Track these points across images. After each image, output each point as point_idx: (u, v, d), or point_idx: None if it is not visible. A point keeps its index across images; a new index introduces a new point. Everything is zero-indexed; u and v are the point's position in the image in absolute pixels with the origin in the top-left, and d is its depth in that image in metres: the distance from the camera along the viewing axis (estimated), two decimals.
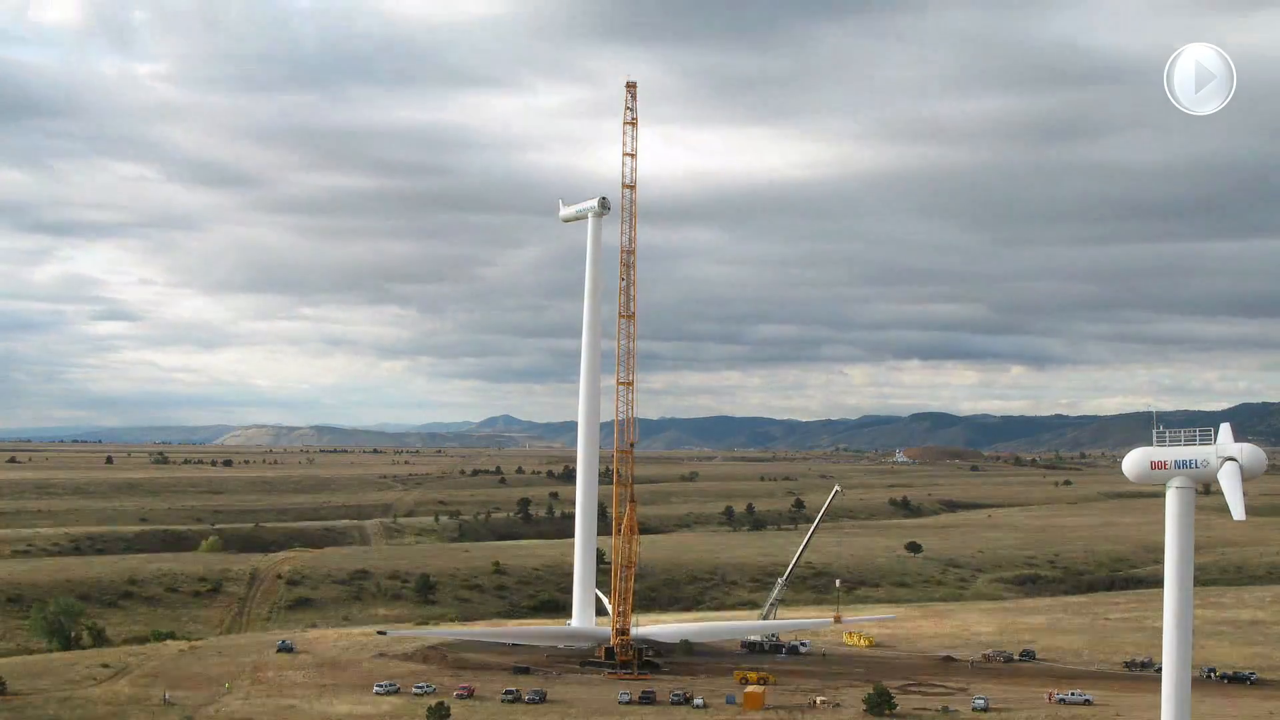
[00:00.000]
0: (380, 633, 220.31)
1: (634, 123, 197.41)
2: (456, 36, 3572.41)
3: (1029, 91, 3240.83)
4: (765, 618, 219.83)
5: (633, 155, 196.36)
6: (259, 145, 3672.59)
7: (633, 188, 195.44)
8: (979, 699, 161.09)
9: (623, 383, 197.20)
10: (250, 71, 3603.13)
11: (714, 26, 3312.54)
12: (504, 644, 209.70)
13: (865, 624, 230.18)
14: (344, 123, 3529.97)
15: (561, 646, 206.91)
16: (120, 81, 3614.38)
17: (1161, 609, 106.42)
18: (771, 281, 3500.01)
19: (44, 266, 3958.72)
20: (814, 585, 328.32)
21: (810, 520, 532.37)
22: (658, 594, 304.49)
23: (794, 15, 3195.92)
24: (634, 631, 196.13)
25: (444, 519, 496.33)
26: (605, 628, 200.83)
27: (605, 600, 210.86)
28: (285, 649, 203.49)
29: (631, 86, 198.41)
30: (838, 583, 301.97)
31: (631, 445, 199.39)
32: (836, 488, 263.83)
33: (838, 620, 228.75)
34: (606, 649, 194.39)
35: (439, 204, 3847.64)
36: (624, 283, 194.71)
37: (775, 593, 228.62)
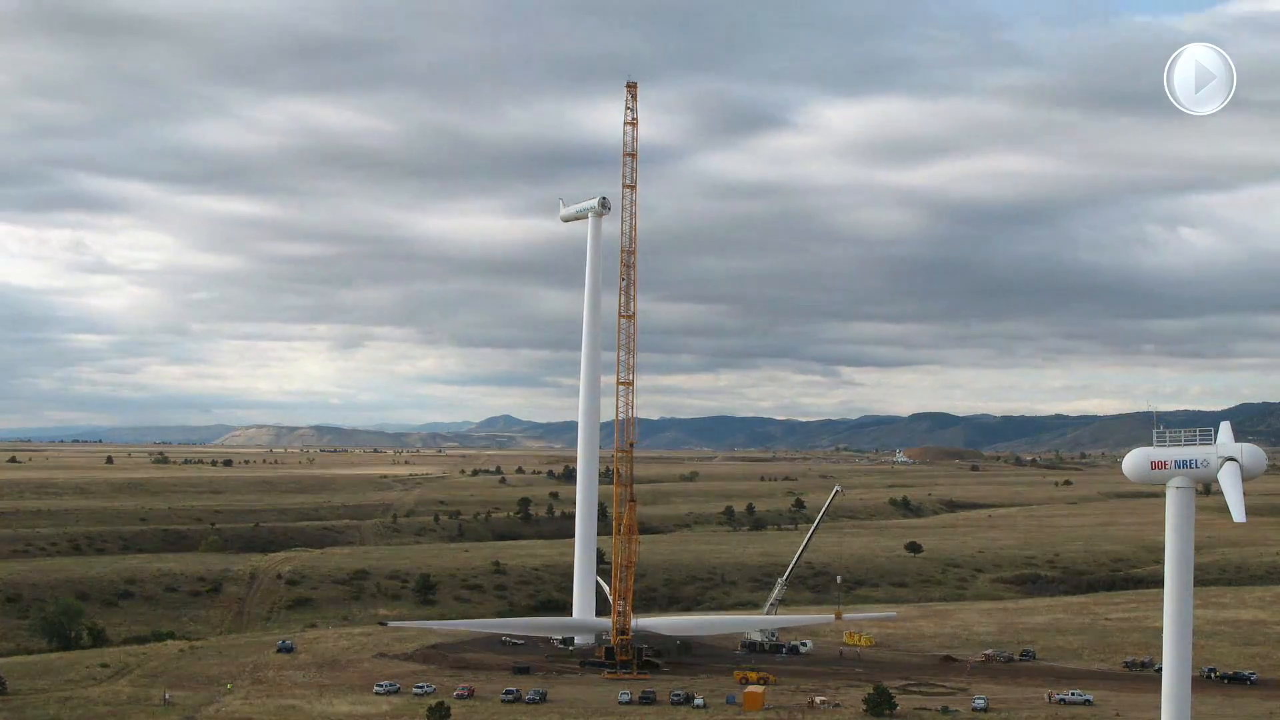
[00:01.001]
0: (381, 623, 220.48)
1: (634, 123, 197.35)
2: None
3: None
4: (770, 607, 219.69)
5: (633, 155, 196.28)
6: None
7: (633, 187, 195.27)
8: (979, 699, 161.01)
9: (623, 383, 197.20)
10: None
11: None
12: (509, 637, 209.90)
13: (865, 622, 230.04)
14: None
15: (558, 643, 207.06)
16: None
17: (1161, 609, 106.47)
18: None
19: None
20: (814, 585, 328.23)
21: (810, 520, 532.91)
22: (657, 594, 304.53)
23: None
24: (640, 623, 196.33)
25: (444, 519, 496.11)
26: (607, 619, 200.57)
27: (606, 589, 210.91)
28: (285, 649, 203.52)
29: (632, 87, 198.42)
30: (838, 579, 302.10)
31: (631, 445, 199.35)
32: (837, 488, 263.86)
33: (838, 617, 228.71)
34: (606, 649, 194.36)
35: None
36: (624, 282, 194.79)
37: (776, 592, 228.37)
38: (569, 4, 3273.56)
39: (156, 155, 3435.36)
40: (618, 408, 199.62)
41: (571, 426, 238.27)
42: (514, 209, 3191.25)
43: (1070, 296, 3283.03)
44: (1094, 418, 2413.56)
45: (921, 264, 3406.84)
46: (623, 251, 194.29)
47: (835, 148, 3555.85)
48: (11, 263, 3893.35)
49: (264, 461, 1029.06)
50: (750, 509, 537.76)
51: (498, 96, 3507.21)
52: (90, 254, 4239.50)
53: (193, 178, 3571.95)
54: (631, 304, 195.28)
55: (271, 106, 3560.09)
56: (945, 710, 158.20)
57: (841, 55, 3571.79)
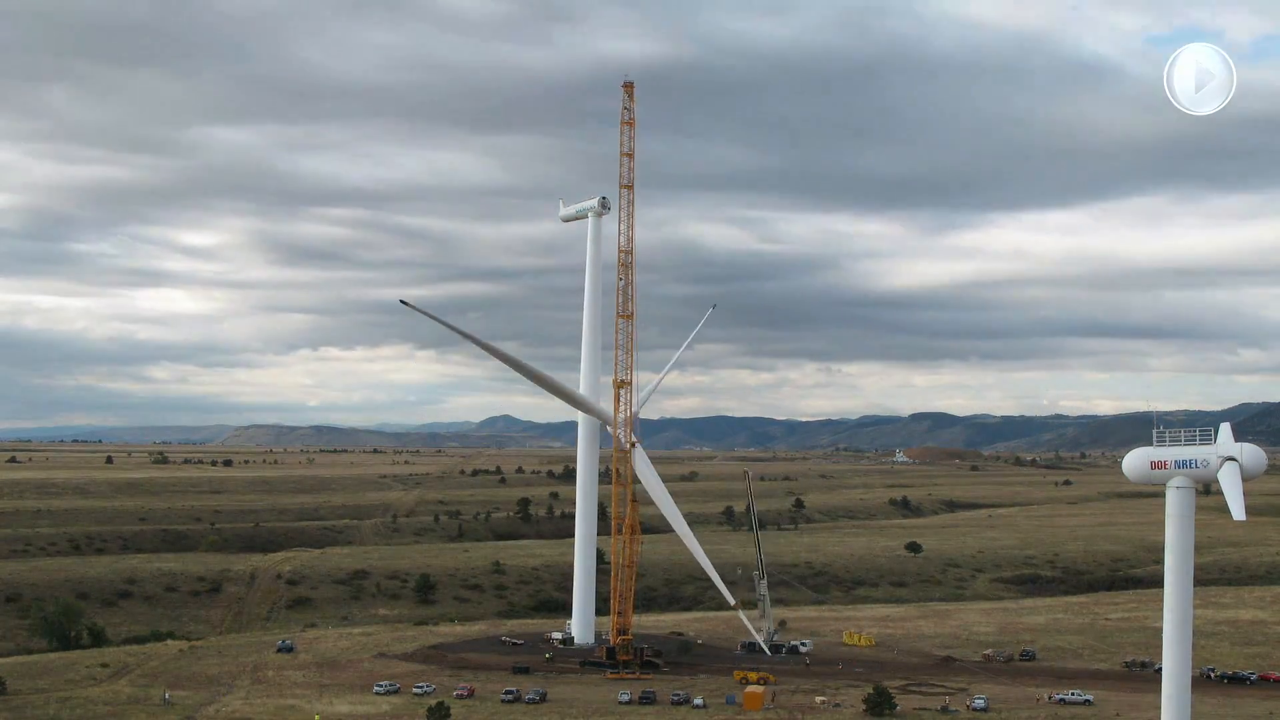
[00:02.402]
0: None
1: (631, 123, 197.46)
2: None
3: None
4: (763, 616, 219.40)
5: (630, 155, 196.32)
6: None
7: (631, 188, 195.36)
8: (979, 699, 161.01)
9: (622, 383, 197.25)
10: None
11: None
12: (510, 637, 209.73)
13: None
14: None
15: (558, 643, 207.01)
16: None
17: (1161, 609, 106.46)
18: None
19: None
20: (814, 585, 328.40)
21: (810, 520, 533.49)
22: (657, 594, 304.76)
23: None
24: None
25: (444, 519, 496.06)
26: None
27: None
28: (285, 649, 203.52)
29: (629, 87, 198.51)
30: (754, 574, 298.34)
31: (632, 446, 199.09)
32: (746, 470, 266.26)
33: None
34: (607, 648, 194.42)
35: None
36: (622, 282, 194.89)
37: (761, 587, 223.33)
38: None
39: None
40: (617, 408, 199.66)
41: (571, 426, 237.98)
42: None
43: None
44: (1094, 417, 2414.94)
45: None
46: (620, 252, 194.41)
47: None
48: None
49: (264, 461, 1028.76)
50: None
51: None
52: None
53: None
54: (630, 304, 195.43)
55: None
56: (945, 710, 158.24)
57: None
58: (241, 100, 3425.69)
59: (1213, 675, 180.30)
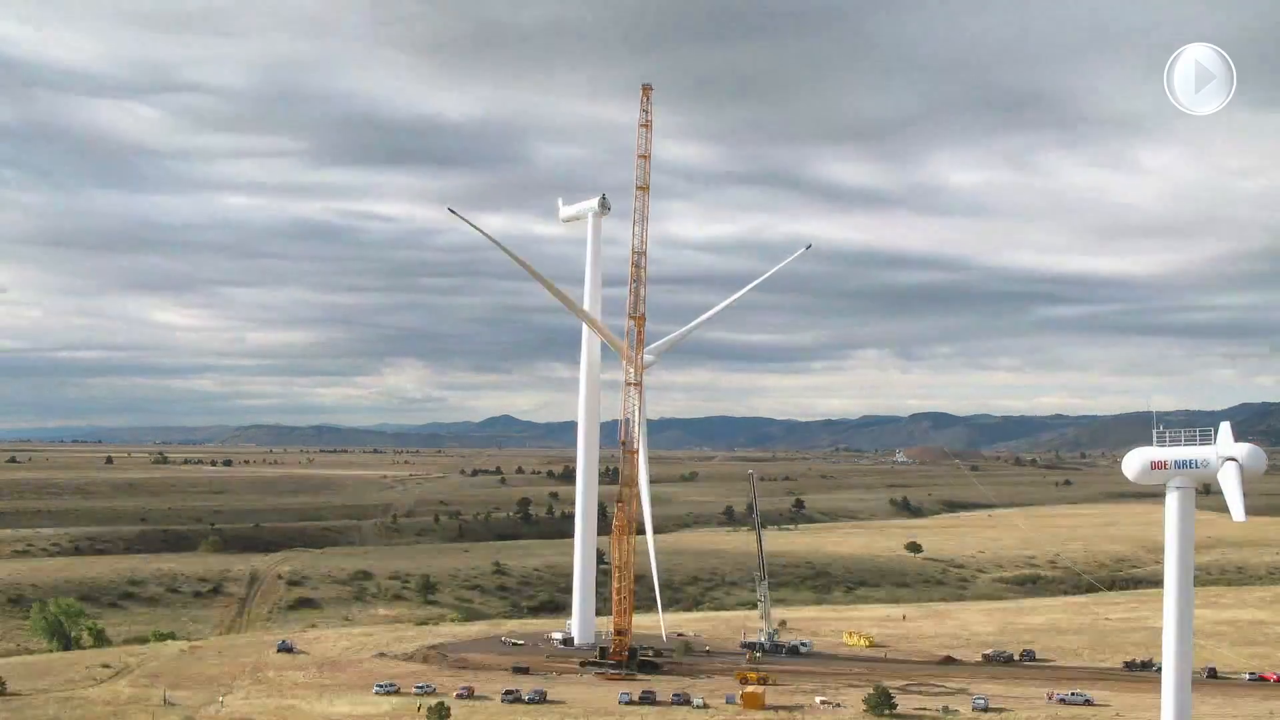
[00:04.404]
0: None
1: (649, 125, 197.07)
2: None
3: None
4: (763, 617, 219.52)
5: (646, 157, 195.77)
6: None
7: (646, 189, 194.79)
8: (979, 699, 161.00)
9: (631, 384, 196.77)
10: None
11: None
12: (509, 637, 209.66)
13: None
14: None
15: (558, 643, 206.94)
16: None
17: (1161, 609, 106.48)
18: None
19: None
20: (814, 585, 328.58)
21: (809, 520, 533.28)
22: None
23: None
24: None
25: (444, 519, 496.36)
26: None
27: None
28: (285, 649, 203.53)
29: (647, 89, 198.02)
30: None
31: (635, 451, 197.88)
32: (750, 470, 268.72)
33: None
34: (602, 648, 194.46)
35: None
36: (634, 283, 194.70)
37: (761, 589, 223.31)
38: None
39: None
40: (625, 408, 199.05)
41: (571, 426, 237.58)
42: None
43: None
44: (1094, 417, 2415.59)
45: None
46: (633, 254, 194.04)
47: None
48: None
49: (264, 461, 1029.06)
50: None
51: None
52: None
53: None
54: (640, 305, 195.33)
55: None
56: (945, 710, 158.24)
57: None
58: None
59: (1213, 675, 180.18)
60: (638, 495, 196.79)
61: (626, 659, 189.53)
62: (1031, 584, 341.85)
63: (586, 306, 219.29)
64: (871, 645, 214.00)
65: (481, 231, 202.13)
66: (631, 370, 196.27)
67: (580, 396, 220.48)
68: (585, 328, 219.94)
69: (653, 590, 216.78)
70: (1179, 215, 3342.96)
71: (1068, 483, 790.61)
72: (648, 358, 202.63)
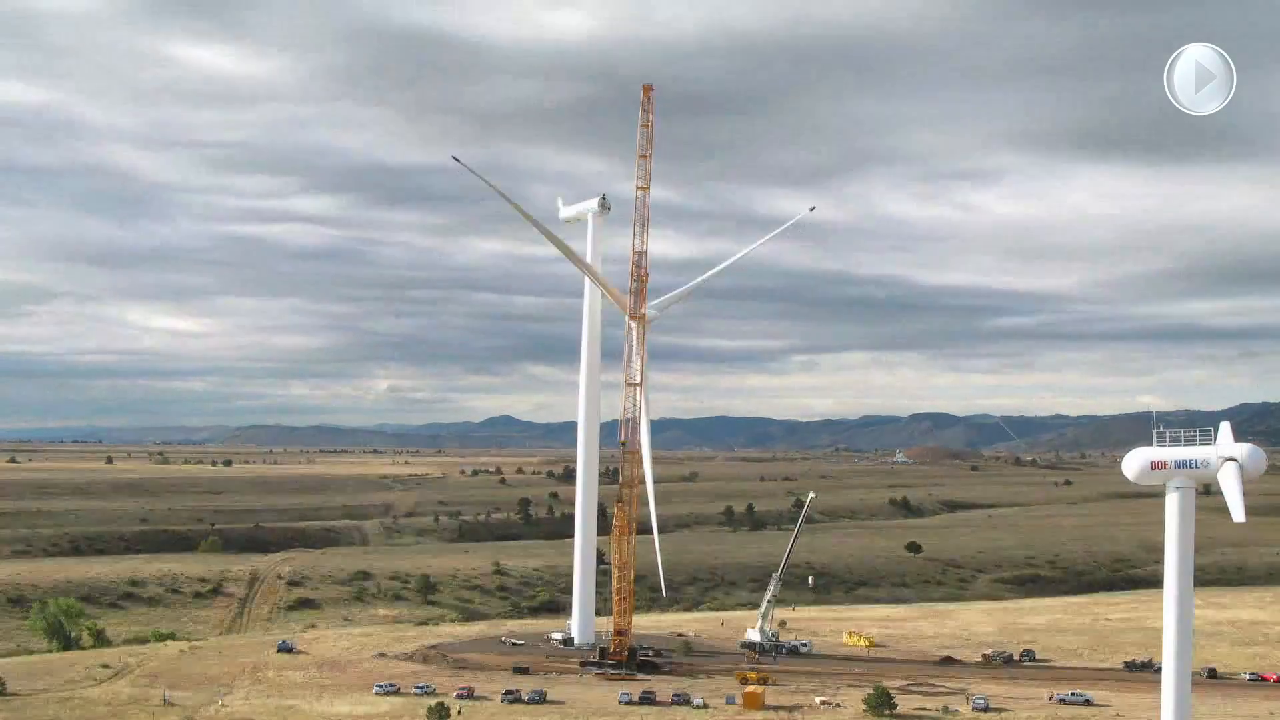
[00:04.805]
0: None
1: (649, 125, 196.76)
2: None
3: None
4: (763, 617, 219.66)
5: (647, 157, 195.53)
6: None
7: (647, 189, 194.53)
8: (979, 699, 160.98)
9: (632, 384, 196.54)
10: None
11: None
12: (510, 637, 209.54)
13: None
14: None
15: (558, 643, 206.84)
16: None
17: (1161, 609, 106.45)
18: None
19: None
20: (814, 585, 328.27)
21: (810, 520, 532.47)
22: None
23: None
24: None
25: (444, 519, 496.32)
26: None
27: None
28: (285, 649, 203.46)
29: (648, 90, 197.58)
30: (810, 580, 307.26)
31: (634, 453, 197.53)
32: (811, 494, 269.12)
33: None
34: (601, 648, 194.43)
35: None
36: (635, 284, 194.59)
37: (771, 589, 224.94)
38: None
39: None
40: (625, 408, 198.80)
41: (571, 426, 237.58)
42: None
43: None
44: (1094, 417, 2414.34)
45: None
46: (634, 253, 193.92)
47: None
48: None
49: (264, 461, 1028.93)
50: (750, 509, 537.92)
51: None
52: None
53: None
54: (642, 306, 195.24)
55: None
56: (945, 710, 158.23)
57: None
58: None
59: (1213, 675, 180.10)
60: (638, 495, 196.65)
61: (626, 659, 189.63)
62: (1031, 584, 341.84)
63: (586, 306, 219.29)
64: (873, 646, 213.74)
65: (485, 180, 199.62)
66: (633, 371, 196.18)
67: (580, 397, 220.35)
68: (585, 328, 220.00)
69: (652, 590, 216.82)
70: None
71: (1068, 483, 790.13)
72: (650, 312, 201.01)
